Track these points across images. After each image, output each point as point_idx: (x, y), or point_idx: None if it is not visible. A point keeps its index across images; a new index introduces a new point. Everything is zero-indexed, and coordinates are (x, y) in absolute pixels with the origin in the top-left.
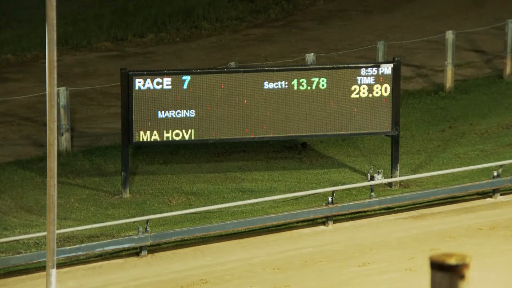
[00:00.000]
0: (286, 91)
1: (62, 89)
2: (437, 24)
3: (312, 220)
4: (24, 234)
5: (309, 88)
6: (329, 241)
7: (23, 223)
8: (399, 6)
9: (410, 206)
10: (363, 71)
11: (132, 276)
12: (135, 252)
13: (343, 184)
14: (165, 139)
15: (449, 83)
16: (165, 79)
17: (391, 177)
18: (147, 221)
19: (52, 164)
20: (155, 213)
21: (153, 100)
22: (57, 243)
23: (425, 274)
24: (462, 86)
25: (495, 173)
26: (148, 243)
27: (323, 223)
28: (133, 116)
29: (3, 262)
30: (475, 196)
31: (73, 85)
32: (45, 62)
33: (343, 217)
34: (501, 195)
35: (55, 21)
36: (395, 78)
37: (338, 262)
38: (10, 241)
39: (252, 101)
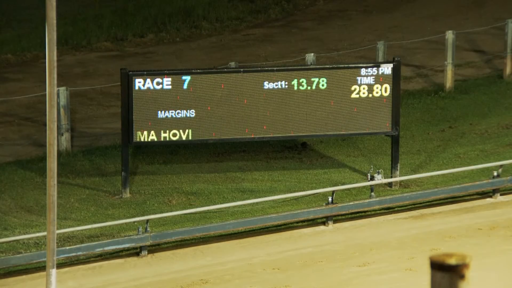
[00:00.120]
0: (286, 91)
1: (62, 89)
2: (437, 24)
3: (312, 220)
4: (24, 234)
5: (309, 88)
6: (329, 241)
7: (23, 223)
8: (399, 6)
9: (410, 206)
10: (363, 71)
11: (132, 276)
12: (135, 252)
13: (343, 184)
14: (165, 139)
15: (449, 83)
16: (165, 79)
17: (391, 177)
18: (147, 221)
19: (52, 164)
20: (155, 213)
21: (153, 100)
22: (57, 243)
23: (425, 274)
24: (462, 86)
25: (495, 173)
26: (148, 243)
27: (323, 223)
28: (133, 116)
29: (3, 262)
30: (475, 196)
31: (73, 85)
32: (45, 62)
33: (343, 217)
34: (501, 195)
35: (55, 21)
36: (395, 78)
37: (338, 262)
38: (10, 241)
39: (252, 101)
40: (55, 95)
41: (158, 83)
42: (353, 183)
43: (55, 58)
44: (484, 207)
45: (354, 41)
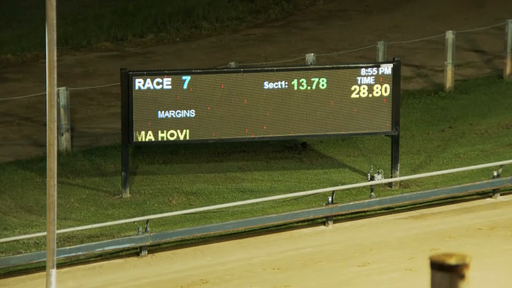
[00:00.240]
0: (286, 91)
1: (62, 89)
2: (437, 24)
3: (312, 220)
4: (24, 234)
5: (309, 88)
6: (329, 241)
7: (23, 223)
8: (399, 6)
9: (410, 206)
10: (363, 71)
11: (132, 276)
12: (135, 252)
13: (343, 184)
14: (165, 139)
15: (449, 83)
16: (165, 79)
17: (391, 177)
18: (147, 221)
19: (52, 164)
20: (155, 213)
21: (153, 100)
22: (57, 243)
23: (425, 274)
24: (462, 86)
25: (495, 173)
26: (148, 243)
27: (323, 223)
28: (133, 116)
29: (3, 262)
30: (475, 196)
31: (73, 85)
32: (45, 62)
33: (343, 217)
34: (501, 195)
35: (55, 21)
36: (395, 78)
37: (338, 262)
38: (10, 241)
39: (252, 101)
40: (55, 95)
41: (158, 83)
42: (353, 183)
43: (55, 58)
44: (484, 207)
45: (354, 41)
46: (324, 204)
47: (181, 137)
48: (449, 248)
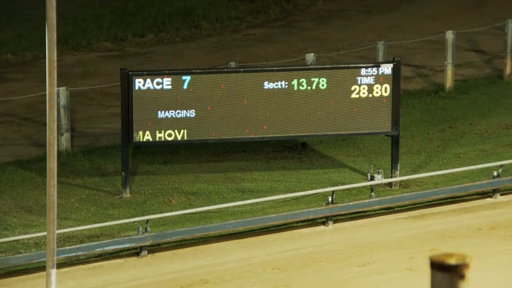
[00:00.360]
0: (286, 91)
1: (62, 89)
2: (437, 24)
3: (312, 220)
4: (24, 234)
5: (309, 88)
6: (329, 241)
7: (23, 223)
8: (399, 6)
9: (410, 206)
10: (363, 71)
11: (132, 276)
12: (135, 252)
13: (343, 184)
14: (165, 139)
15: (449, 83)
16: (165, 79)
17: (391, 177)
18: (147, 221)
19: (52, 164)
20: (155, 213)
21: (153, 100)
22: (57, 243)
23: (425, 274)
24: (462, 86)
25: (495, 173)
26: (148, 243)
27: (323, 223)
28: (133, 116)
29: (3, 262)
30: (475, 196)
31: (73, 85)
32: (45, 62)
33: (343, 217)
34: (501, 195)
35: (55, 21)
36: (395, 78)
37: (338, 262)
38: (10, 241)
39: (252, 101)
40: (55, 95)
41: (158, 83)
42: (353, 183)
43: (55, 58)
44: (484, 207)
45: (354, 41)
46: (324, 204)
47: (181, 137)
48: (449, 248)
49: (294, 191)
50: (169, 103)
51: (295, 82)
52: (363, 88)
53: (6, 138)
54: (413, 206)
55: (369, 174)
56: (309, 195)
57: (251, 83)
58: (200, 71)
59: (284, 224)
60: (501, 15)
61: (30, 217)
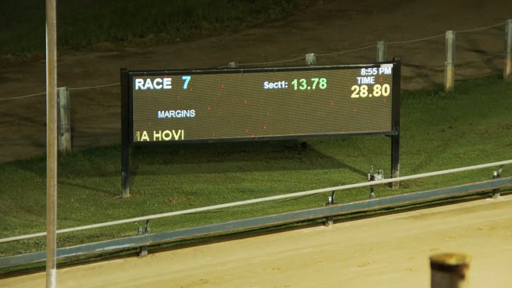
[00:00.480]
0: (286, 91)
1: (62, 89)
2: (437, 24)
3: (312, 220)
4: (24, 234)
5: (309, 88)
6: (329, 241)
7: (23, 223)
8: (399, 6)
9: (410, 206)
10: (363, 71)
11: (132, 276)
12: (135, 252)
13: (343, 184)
14: (165, 139)
15: (449, 83)
16: (165, 79)
17: (391, 177)
18: (147, 221)
19: (52, 164)
20: (155, 213)
21: (153, 100)
22: (57, 243)
23: (425, 274)
24: (462, 86)
25: (495, 173)
26: (148, 243)
27: (323, 223)
28: (133, 116)
29: (3, 262)
30: (475, 196)
31: (73, 85)
32: (45, 62)
33: (343, 217)
34: (501, 195)
35: (55, 21)
36: (395, 78)
37: (338, 262)
38: (10, 241)
39: (252, 101)
40: (55, 95)
41: (158, 83)
42: (353, 183)
43: (55, 58)
44: (484, 207)
45: (354, 41)
46: (324, 204)
47: (181, 137)
48: (449, 248)
49: (294, 191)
50: (169, 103)
51: (295, 82)
52: (363, 88)
53: (6, 138)
54: (413, 206)
55: (369, 174)
56: (309, 195)
57: (251, 83)
58: (200, 71)
59: (284, 224)
60: (501, 15)
61: (30, 217)
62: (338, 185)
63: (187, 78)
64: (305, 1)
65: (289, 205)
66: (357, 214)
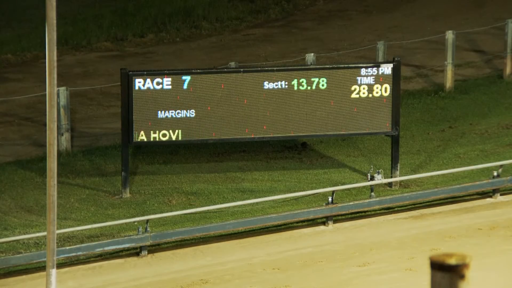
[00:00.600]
0: (286, 91)
1: (62, 89)
2: (437, 24)
3: (312, 220)
4: (24, 234)
5: (309, 88)
6: (329, 241)
7: (23, 223)
8: (399, 6)
9: (410, 206)
10: (363, 71)
11: (132, 276)
12: (135, 252)
13: (343, 184)
14: (165, 139)
15: (449, 83)
16: (165, 79)
17: (391, 177)
18: (147, 221)
19: (52, 164)
20: (155, 213)
21: (153, 100)
22: (57, 243)
23: (425, 274)
24: (462, 86)
25: (495, 173)
26: (148, 243)
27: (323, 223)
28: (133, 116)
29: (3, 262)
30: (475, 196)
31: (73, 85)
32: (45, 62)
33: (343, 217)
34: (501, 195)
35: (55, 21)
36: (395, 78)
37: (338, 262)
38: (10, 241)
39: (252, 101)
40: (55, 95)
41: (158, 83)
42: (353, 183)
43: (55, 58)
44: (484, 207)
45: (354, 41)
46: (324, 204)
47: (181, 137)
48: (449, 248)
49: (294, 191)
50: (169, 103)
51: (295, 82)
52: (363, 88)
53: (6, 138)
54: (413, 206)
55: (369, 174)
56: (309, 195)
57: (251, 83)
58: (200, 71)
59: (284, 224)
60: (501, 15)
61: (30, 217)
62: (338, 185)
63: (187, 78)
64: (305, 1)
65: (289, 205)
66: (357, 214)
